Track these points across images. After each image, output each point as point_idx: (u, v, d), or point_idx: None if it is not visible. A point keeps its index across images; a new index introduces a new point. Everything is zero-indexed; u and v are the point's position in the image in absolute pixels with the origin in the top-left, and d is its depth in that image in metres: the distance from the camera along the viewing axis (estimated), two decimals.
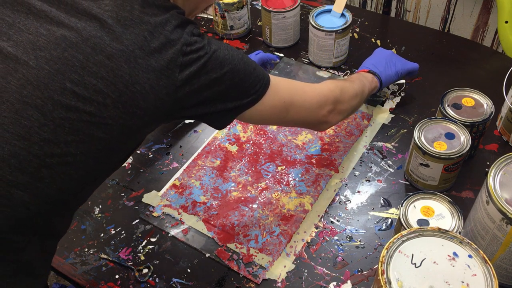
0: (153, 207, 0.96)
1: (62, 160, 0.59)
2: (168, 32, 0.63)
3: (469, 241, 0.62)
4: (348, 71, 1.21)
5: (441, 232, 0.64)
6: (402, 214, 0.80)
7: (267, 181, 0.99)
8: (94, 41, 0.59)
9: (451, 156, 0.87)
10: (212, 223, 0.92)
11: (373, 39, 1.30)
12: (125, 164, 1.04)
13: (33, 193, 0.59)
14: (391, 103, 1.12)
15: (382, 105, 1.12)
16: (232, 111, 0.73)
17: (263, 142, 1.06)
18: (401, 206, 0.81)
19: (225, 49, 0.69)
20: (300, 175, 0.99)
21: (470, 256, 0.61)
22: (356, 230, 0.90)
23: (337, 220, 0.92)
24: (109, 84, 0.59)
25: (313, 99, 0.83)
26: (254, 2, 1.44)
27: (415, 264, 0.61)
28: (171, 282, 0.85)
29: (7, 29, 0.59)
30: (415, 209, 0.81)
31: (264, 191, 0.97)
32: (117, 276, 0.87)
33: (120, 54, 0.60)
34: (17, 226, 0.60)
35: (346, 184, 0.98)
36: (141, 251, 0.90)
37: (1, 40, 0.58)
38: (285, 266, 0.86)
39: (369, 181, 0.98)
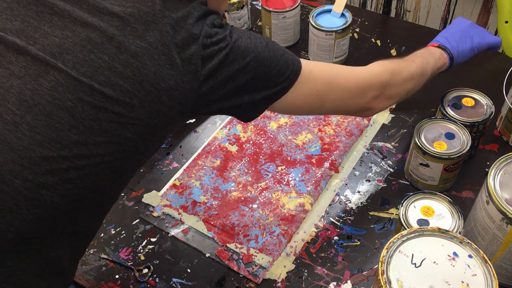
0: (153, 207, 0.96)
1: (91, 161, 0.59)
2: (190, 26, 0.62)
3: (469, 241, 0.62)
4: None
5: (441, 232, 0.64)
6: (402, 214, 0.80)
7: (267, 181, 0.99)
8: (118, 40, 0.59)
9: (451, 156, 0.87)
10: (212, 223, 0.92)
11: (373, 39, 1.30)
12: None
13: (61, 194, 0.59)
14: None
15: None
16: (261, 102, 0.70)
17: (263, 142, 1.06)
18: (401, 206, 0.81)
19: (247, 37, 0.67)
20: (300, 175, 0.99)
21: (470, 256, 0.61)
22: (356, 230, 0.90)
23: (337, 220, 0.92)
24: (135, 83, 0.59)
25: (353, 85, 0.77)
26: (254, 2, 1.45)
27: (415, 264, 0.61)
28: (171, 282, 0.85)
29: (33, 33, 0.59)
30: (415, 209, 0.81)
31: (264, 191, 0.97)
32: (117, 276, 0.87)
33: (144, 52, 0.60)
34: (46, 226, 0.60)
35: (346, 184, 0.98)
36: (141, 251, 0.90)
37: (28, 43, 0.58)
38: (285, 266, 0.86)
39: (369, 181, 0.98)
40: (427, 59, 0.88)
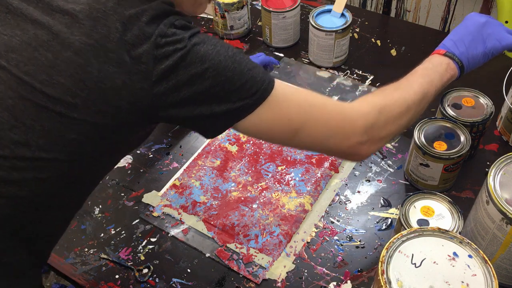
0: (153, 207, 0.96)
1: (34, 164, 0.59)
2: (143, 24, 0.59)
3: (469, 241, 0.62)
4: (348, 71, 1.21)
5: (441, 232, 0.64)
6: (402, 214, 0.80)
7: (267, 181, 0.99)
8: (63, 37, 0.57)
9: (451, 156, 0.87)
10: (212, 223, 0.92)
11: (373, 39, 1.30)
12: (125, 164, 1.04)
13: (4, 196, 0.58)
14: None
15: None
16: (222, 117, 0.64)
17: (263, 142, 1.06)
18: (401, 206, 0.81)
19: (211, 44, 0.62)
20: (300, 175, 0.99)
21: (470, 256, 0.61)
22: (356, 230, 0.90)
23: (337, 220, 0.92)
24: (77, 81, 0.57)
25: (333, 124, 0.67)
26: (254, 2, 1.45)
27: (415, 264, 0.61)
28: (171, 282, 0.85)
29: None
30: (415, 209, 0.81)
31: (264, 191, 0.97)
32: (117, 276, 0.87)
33: (89, 49, 0.57)
34: None
35: (346, 184, 0.98)
36: (141, 251, 0.90)
37: None
38: (285, 266, 0.86)
39: (369, 181, 0.98)
40: (430, 77, 0.76)
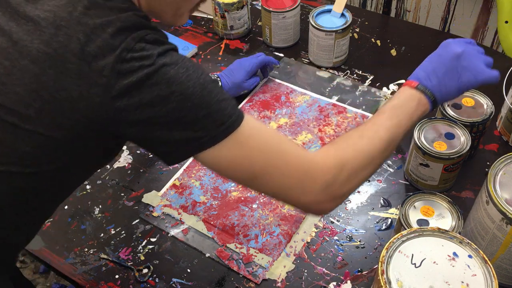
0: (153, 207, 0.96)
1: None
2: (108, 35, 0.56)
3: (469, 241, 0.62)
4: (348, 71, 1.21)
5: (441, 232, 0.64)
6: (402, 214, 0.80)
7: None
8: (22, 45, 0.56)
9: (451, 156, 0.87)
10: (212, 223, 0.92)
11: (373, 39, 1.30)
12: (125, 164, 1.04)
13: None
14: None
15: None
16: (182, 146, 0.61)
17: None
18: (401, 206, 0.81)
19: (183, 67, 0.58)
20: None
21: (470, 256, 0.61)
22: (356, 230, 0.90)
23: (337, 220, 0.92)
24: (31, 91, 0.55)
25: (296, 177, 0.63)
26: (254, 2, 1.45)
27: (415, 264, 0.61)
28: (171, 282, 0.85)
29: None
30: (415, 209, 0.81)
31: None
32: (117, 276, 0.87)
33: (46, 58, 0.55)
34: None
35: None
36: (141, 251, 0.90)
37: None
38: (285, 266, 0.86)
39: (369, 181, 0.98)
40: (398, 118, 0.70)
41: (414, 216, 0.80)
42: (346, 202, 0.94)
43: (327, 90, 1.17)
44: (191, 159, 1.03)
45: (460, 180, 0.95)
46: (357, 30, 1.33)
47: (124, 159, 1.05)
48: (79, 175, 0.71)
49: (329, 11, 1.19)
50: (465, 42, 0.76)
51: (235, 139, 0.61)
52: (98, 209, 0.97)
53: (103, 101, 0.56)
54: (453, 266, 0.60)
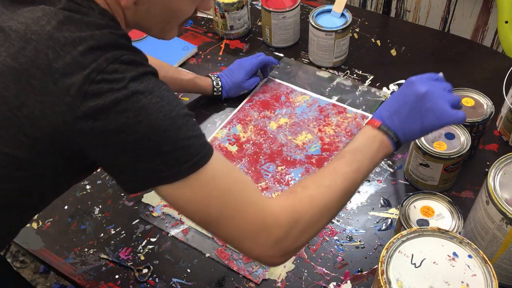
0: (153, 207, 0.96)
1: None
2: (78, 53, 0.53)
3: (469, 241, 0.62)
4: (348, 71, 1.21)
5: (441, 232, 0.64)
6: (402, 214, 0.80)
7: (267, 181, 0.98)
8: None
9: (451, 156, 0.87)
10: None
11: (373, 39, 1.30)
12: None
13: None
14: None
15: None
16: (142, 176, 0.58)
17: (263, 142, 1.06)
18: (401, 206, 0.81)
19: (157, 96, 0.56)
20: (300, 175, 0.99)
21: (470, 256, 0.61)
22: (356, 230, 0.90)
23: (337, 220, 0.92)
24: None
25: (251, 228, 0.61)
26: (254, 2, 1.45)
27: (415, 264, 0.61)
28: (171, 282, 0.85)
29: None
30: (415, 209, 0.81)
31: (264, 191, 0.97)
32: (117, 276, 0.87)
33: (10, 72, 0.53)
34: None
35: None
36: (141, 251, 0.90)
37: None
38: (285, 266, 0.86)
39: (369, 181, 0.98)
40: (358, 163, 0.68)
41: (414, 216, 0.80)
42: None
43: (327, 90, 1.17)
44: None
45: (460, 180, 0.95)
46: (357, 30, 1.33)
47: None
48: (51, 193, 0.68)
49: (329, 11, 1.19)
50: (431, 79, 0.72)
51: (196, 179, 0.58)
52: (98, 209, 0.97)
53: (66, 121, 0.54)
54: (453, 266, 0.61)
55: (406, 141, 0.71)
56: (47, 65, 0.53)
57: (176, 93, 1.17)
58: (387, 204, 0.94)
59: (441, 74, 0.74)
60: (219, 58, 1.28)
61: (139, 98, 0.55)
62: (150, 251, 0.90)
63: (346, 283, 0.83)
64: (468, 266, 0.60)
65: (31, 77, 0.53)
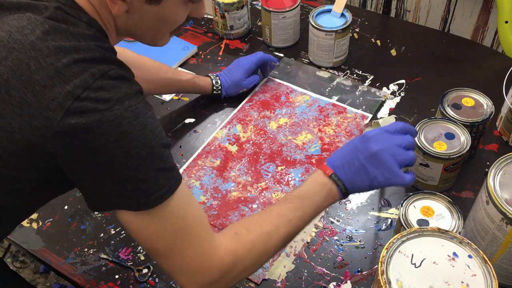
0: None
1: None
2: (62, 65, 0.51)
3: (469, 241, 0.62)
4: (348, 71, 1.21)
5: (441, 232, 0.64)
6: (402, 214, 0.80)
7: (267, 181, 0.98)
8: None
9: (451, 156, 0.87)
10: (212, 223, 0.92)
11: (373, 39, 1.30)
12: None
13: None
14: (391, 103, 1.12)
15: (382, 105, 1.12)
16: (105, 197, 0.57)
17: (263, 142, 1.06)
18: (401, 206, 0.81)
19: (141, 124, 0.54)
20: (300, 175, 0.99)
21: (470, 256, 0.61)
22: (356, 230, 0.90)
23: (337, 220, 0.92)
24: None
25: (189, 266, 0.62)
26: (254, 2, 1.45)
27: (415, 264, 0.61)
28: (171, 282, 0.85)
29: None
30: (415, 209, 0.81)
31: (264, 191, 0.97)
32: (117, 276, 0.87)
33: None
34: None
35: None
36: (141, 251, 0.90)
37: None
38: (285, 266, 0.86)
39: None
40: (303, 211, 0.70)
41: (414, 216, 0.80)
42: (346, 202, 0.94)
43: (327, 90, 1.17)
44: (190, 160, 1.04)
45: (460, 180, 0.95)
46: (357, 30, 1.33)
47: None
48: (33, 204, 0.67)
49: (329, 11, 1.19)
50: (389, 133, 0.72)
51: (156, 211, 0.58)
52: None
53: (43, 135, 0.52)
54: (453, 266, 0.60)
55: (353, 193, 0.73)
56: (28, 76, 0.51)
57: (176, 93, 1.18)
58: (387, 204, 0.94)
59: (405, 124, 0.74)
60: (219, 58, 1.28)
61: (122, 123, 0.53)
62: None
63: (346, 283, 0.83)
64: (468, 266, 0.60)
65: (10, 88, 0.51)
